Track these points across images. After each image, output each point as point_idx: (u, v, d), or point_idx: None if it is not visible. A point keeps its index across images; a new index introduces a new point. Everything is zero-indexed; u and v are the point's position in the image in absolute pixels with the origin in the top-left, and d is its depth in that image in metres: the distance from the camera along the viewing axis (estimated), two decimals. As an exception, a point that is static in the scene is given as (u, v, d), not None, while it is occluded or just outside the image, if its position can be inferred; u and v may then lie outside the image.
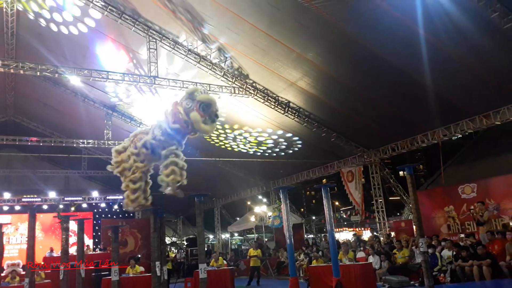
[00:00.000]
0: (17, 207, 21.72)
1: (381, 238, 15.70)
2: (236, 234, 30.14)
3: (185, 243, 28.68)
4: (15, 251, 21.71)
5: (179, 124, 6.81)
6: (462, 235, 12.81)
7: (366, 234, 27.08)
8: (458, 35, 9.44)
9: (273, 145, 17.09)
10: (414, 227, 14.34)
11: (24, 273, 10.41)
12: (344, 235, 29.87)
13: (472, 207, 12.65)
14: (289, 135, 15.99)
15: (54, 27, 13.56)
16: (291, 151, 17.28)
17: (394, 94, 12.32)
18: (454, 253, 10.94)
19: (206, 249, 23.76)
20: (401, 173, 29.95)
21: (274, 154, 17.82)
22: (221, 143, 18.13)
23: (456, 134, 13.36)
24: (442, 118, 12.86)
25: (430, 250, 11.02)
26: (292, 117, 14.37)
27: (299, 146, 16.68)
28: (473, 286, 9.82)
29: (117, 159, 7.47)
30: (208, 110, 6.79)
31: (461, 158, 15.93)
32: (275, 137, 16.51)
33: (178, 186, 6.82)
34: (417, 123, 13.59)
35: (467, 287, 9.90)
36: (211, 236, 30.12)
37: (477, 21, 9.05)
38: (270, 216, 19.28)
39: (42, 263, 17.54)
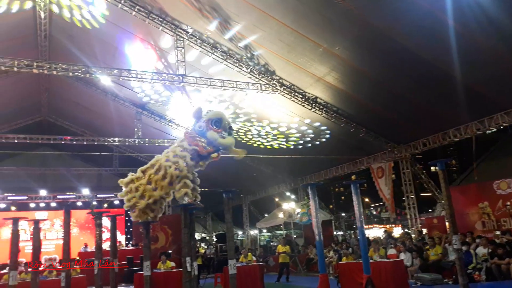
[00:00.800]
0: (53, 204, 22.47)
1: (413, 235, 15.40)
2: (264, 231, 30.21)
3: (215, 239, 28.97)
4: (51, 246, 22.44)
5: (199, 149, 7.08)
6: (498, 232, 12.40)
7: (397, 231, 26.62)
8: (489, 25, 9.11)
9: (300, 134, 16.82)
10: (447, 223, 13.99)
11: (60, 267, 10.78)
12: (375, 232, 29.45)
13: (508, 203, 12.26)
14: (307, 121, 15.66)
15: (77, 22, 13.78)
16: (323, 140, 16.79)
17: (425, 88, 12.02)
18: (490, 250, 10.62)
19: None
20: (432, 168, 29.27)
21: (309, 145, 17.37)
22: (251, 141, 18.17)
23: (491, 128, 12.92)
24: (475, 111, 12.47)
25: (464, 248, 10.73)
26: (320, 113, 14.25)
27: (328, 134, 16.24)
28: (510, 285, 9.52)
29: (126, 189, 7.65)
30: (221, 125, 7.06)
31: (496, 153, 15.42)
32: (295, 126, 16.28)
33: (193, 200, 7.04)
34: (449, 117, 13.22)
35: (503, 286, 9.61)
36: (240, 232, 30.31)
37: (510, 9, 8.70)
38: (299, 212, 19.21)
39: (78, 258, 18.18)
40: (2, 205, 21.82)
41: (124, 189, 7.66)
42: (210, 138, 6.99)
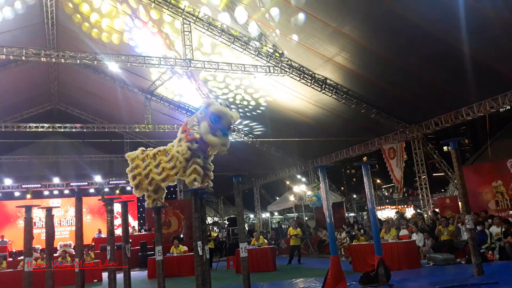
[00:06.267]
0: (66, 191, 22.77)
1: (425, 216, 15.31)
2: (276, 213, 30.33)
3: (227, 223, 29.19)
4: (66, 233, 22.84)
5: (193, 138, 6.70)
6: (512, 211, 12.29)
7: (409, 212, 26.53)
8: (503, -1, 8.84)
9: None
10: (459, 203, 13.87)
11: (74, 253, 10.93)
12: (387, 213, 29.40)
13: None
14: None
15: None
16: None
17: (436, 66, 11.76)
18: (503, 229, 10.51)
19: (247, 228, 24.11)
20: (445, 148, 28.95)
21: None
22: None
23: (504, 106, 12.63)
24: (488, 89, 12.18)
25: (478, 228, 10.63)
26: (330, 94, 14.05)
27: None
28: (524, 264, 9.43)
29: (132, 165, 7.55)
30: (220, 122, 6.54)
31: (510, 131, 15.15)
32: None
33: (205, 185, 6.90)
34: (462, 95, 12.95)
35: (517, 264, 9.51)
36: (251, 216, 30.47)
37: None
38: (309, 195, 19.18)
39: (92, 244, 18.44)
40: (17, 193, 22.18)
41: (130, 163, 7.62)
42: (200, 129, 6.68)
